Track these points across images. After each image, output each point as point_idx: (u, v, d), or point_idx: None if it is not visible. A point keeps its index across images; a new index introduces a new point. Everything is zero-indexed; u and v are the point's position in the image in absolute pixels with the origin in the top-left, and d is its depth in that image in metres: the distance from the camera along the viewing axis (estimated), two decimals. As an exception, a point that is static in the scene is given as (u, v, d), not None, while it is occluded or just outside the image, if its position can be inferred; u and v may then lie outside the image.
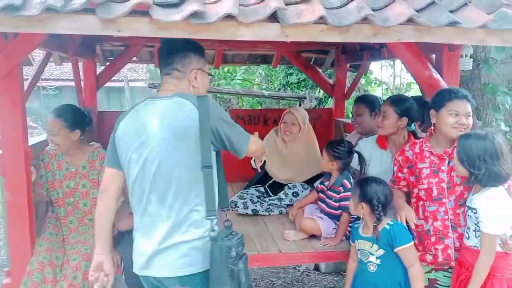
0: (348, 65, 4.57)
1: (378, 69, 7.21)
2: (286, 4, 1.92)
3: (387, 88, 6.99)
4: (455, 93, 2.27)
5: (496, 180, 2.06)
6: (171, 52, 1.93)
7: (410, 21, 1.92)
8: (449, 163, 2.31)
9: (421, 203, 2.41)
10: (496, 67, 3.27)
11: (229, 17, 1.80)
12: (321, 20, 1.84)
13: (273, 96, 7.28)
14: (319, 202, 2.94)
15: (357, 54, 3.95)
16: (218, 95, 9.05)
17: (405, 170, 2.50)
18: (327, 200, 2.85)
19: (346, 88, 4.63)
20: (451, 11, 2.05)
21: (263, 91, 7.59)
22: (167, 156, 1.79)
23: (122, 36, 1.92)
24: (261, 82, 11.01)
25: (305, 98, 6.35)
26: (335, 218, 2.81)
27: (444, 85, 2.47)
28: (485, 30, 2.01)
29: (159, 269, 1.84)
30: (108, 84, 4.27)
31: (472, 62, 2.35)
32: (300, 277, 4.23)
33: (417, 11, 2.00)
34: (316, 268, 4.43)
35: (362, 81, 6.15)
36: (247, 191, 3.46)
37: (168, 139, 1.79)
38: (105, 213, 1.95)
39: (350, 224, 2.78)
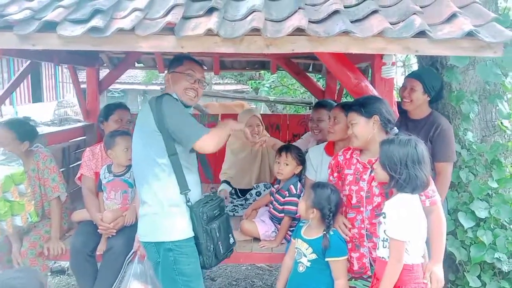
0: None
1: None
2: (188, 18, 2.09)
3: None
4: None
5: (416, 186, 2.05)
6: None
7: (302, 31, 1.98)
8: (371, 172, 2.31)
9: (343, 208, 2.43)
10: (466, 73, 3.13)
11: (131, 30, 2.00)
12: (210, 32, 1.97)
13: (279, 101, 7.31)
14: (269, 204, 3.02)
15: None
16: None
17: (335, 175, 2.53)
18: (274, 202, 2.93)
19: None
20: (358, 20, 2.09)
21: (269, 96, 7.62)
22: (135, 151, 2.33)
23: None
24: (300, 87, 10.99)
25: (311, 103, 6.32)
26: (278, 221, 2.89)
27: (374, 93, 2.47)
28: (386, 39, 2.01)
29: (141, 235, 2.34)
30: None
31: (393, 70, 2.32)
32: (283, 280, 4.28)
33: (319, 21, 2.06)
34: (305, 272, 4.44)
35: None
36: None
37: (136, 138, 2.33)
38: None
39: (291, 228, 2.85)
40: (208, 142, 2.23)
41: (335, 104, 3.02)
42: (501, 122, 3.15)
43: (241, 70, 5.71)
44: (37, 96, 17.16)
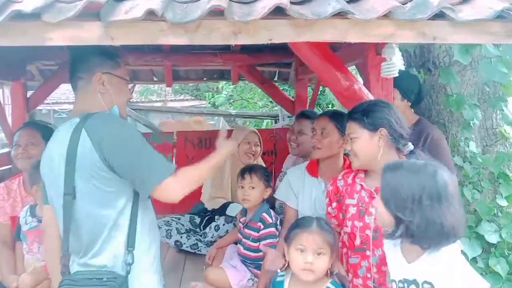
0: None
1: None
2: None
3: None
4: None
5: (438, 237, 1.35)
6: (74, 60, 1.70)
7: (281, 13, 1.43)
8: None
9: (344, 250, 1.88)
10: (463, 74, 2.70)
11: (35, 16, 1.37)
12: (153, 17, 1.37)
13: (242, 115, 6.78)
14: (238, 244, 2.42)
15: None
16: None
17: (333, 205, 1.97)
18: (244, 240, 2.33)
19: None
20: (350, 0, 1.56)
21: (230, 110, 7.07)
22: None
23: None
24: (260, 100, 10.49)
25: (277, 116, 5.85)
26: (252, 263, 2.28)
27: (370, 97, 1.95)
28: (395, 21, 1.50)
29: None
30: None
31: (396, 67, 1.81)
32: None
33: (300, 2, 1.52)
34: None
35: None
36: (179, 219, 2.98)
37: (68, 173, 1.53)
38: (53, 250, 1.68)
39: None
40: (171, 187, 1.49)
41: (321, 113, 2.48)
42: (504, 129, 2.72)
43: (198, 81, 5.11)
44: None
